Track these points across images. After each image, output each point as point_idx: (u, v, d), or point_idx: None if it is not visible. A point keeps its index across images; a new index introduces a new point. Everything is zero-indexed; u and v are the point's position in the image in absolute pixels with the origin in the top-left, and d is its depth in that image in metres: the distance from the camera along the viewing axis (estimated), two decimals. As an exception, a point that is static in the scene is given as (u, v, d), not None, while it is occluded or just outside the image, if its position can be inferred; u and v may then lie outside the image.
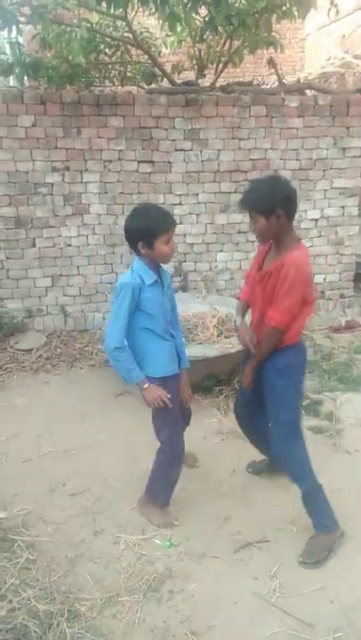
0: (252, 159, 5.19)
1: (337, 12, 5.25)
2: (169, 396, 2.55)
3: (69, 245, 5.07)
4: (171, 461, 2.76)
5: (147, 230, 2.42)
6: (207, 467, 3.26)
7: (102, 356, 4.77)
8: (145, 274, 2.51)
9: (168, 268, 5.22)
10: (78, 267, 5.14)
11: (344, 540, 2.67)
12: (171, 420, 2.68)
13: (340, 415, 3.82)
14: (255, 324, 2.65)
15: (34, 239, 4.99)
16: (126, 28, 5.18)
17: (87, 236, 5.07)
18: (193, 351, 3.87)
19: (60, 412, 3.96)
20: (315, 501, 2.60)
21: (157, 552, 2.61)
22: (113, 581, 2.44)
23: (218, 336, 4.17)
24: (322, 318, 5.51)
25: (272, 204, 2.32)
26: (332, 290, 5.71)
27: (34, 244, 5.00)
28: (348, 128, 5.27)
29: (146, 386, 2.53)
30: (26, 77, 5.52)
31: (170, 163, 5.06)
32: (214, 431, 3.64)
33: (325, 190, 5.41)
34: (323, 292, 5.70)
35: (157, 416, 2.69)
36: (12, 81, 6.05)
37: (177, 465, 2.79)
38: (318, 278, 5.62)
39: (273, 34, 5.09)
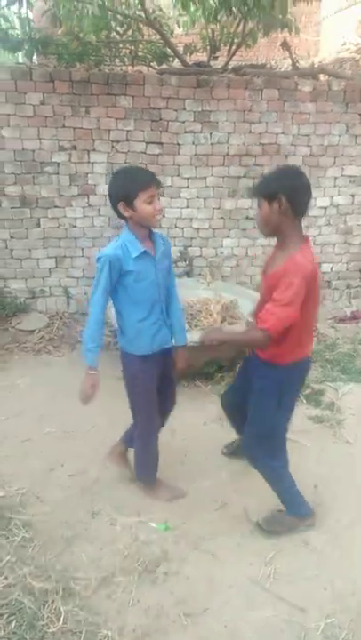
0: (263, 143, 5.11)
1: (354, -5, 5.13)
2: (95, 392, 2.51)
3: (74, 226, 5.03)
4: (148, 440, 2.76)
5: (125, 188, 2.30)
6: (206, 452, 3.26)
7: (105, 340, 4.75)
8: (132, 245, 2.38)
9: (174, 252, 5.20)
10: (82, 248, 5.11)
11: (339, 529, 2.68)
12: (145, 403, 2.67)
13: (342, 405, 3.80)
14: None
15: (38, 219, 4.94)
16: (139, 6, 5.09)
17: (92, 218, 5.03)
18: (195, 337, 3.84)
19: (61, 393, 3.95)
20: (288, 500, 2.65)
21: (153, 535, 2.62)
22: (108, 562, 2.46)
23: (221, 322, 4.14)
24: (327, 308, 5.47)
25: (275, 188, 2.18)
26: (338, 280, 5.66)
27: (38, 224, 4.96)
28: (360, 115, 5.18)
29: (91, 372, 2.48)
30: (35, 54, 5.44)
31: (179, 145, 4.99)
32: (215, 417, 3.63)
33: (336, 178, 5.33)
34: (329, 282, 5.65)
35: (132, 397, 2.68)
36: (20, 57, 5.97)
37: (152, 445, 2.77)
38: (325, 267, 5.58)
39: (288, 16, 4.99)
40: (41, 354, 4.57)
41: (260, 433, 2.51)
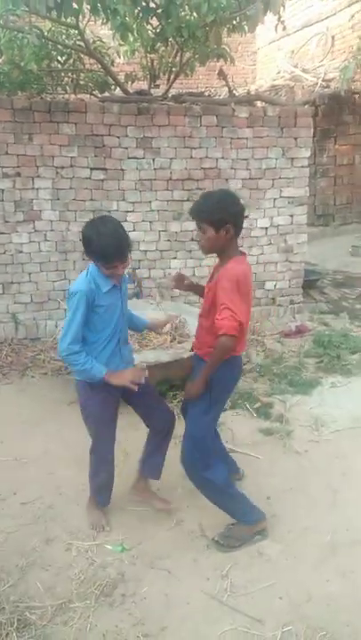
0: (204, 168, 5.28)
1: (284, 27, 5.44)
2: (146, 376, 2.60)
3: (20, 252, 5.01)
4: (97, 465, 2.78)
5: (93, 252, 2.42)
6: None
7: (55, 364, 4.73)
8: (101, 280, 2.49)
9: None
10: (30, 273, 5.09)
11: (292, 538, 2.75)
12: (100, 427, 2.70)
13: (290, 417, 3.91)
14: (197, 333, 2.71)
15: (-17, 245, 4.91)
16: (79, 37, 5.21)
17: (39, 243, 5.03)
18: (146, 356, 3.90)
19: (10, 420, 3.89)
20: (229, 505, 2.68)
21: (109, 557, 2.61)
22: (65, 588, 2.43)
23: (171, 341, 4.21)
24: (273, 324, 5.64)
25: (224, 218, 2.34)
26: (282, 296, 5.85)
27: (-17, 251, 4.92)
28: (295, 139, 5.44)
29: (111, 376, 2.51)
30: (-25, 83, 5.45)
31: (122, 170, 5.09)
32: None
33: (275, 199, 5.55)
34: (273, 299, 5.84)
35: (88, 421, 2.71)
36: None
37: (103, 469, 2.79)
38: (269, 285, 5.77)
39: (223, 46, 5.23)
40: (-11, 382, 4.49)
41: (193, 435, 2.57)
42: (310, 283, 6.31)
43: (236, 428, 3.78)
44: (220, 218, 2.34)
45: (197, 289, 2.87)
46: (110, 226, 2.44)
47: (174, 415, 2.92)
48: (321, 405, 4.08)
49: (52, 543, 2.70)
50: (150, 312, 4.72)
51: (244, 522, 2.69)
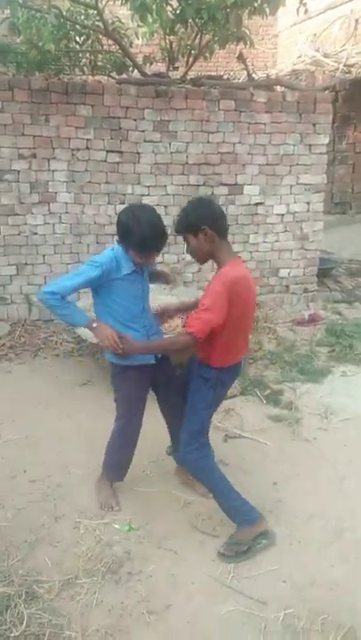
0: (221, 152, 5.24)
1: (306, 10, 5.34)
2: (123, 334, 2.48)
3: (35, 233, 5.03)
4: (121, 444, 2.82)
5: (136, 242, 2.42)
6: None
7: (67, 346, 4.77)
8: (124, 262, 2.51)
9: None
10: (44, 255, 5.11)
11: (297, 523, 2.77)
12: (132, 408, 2.73)
13: (300, 405, 3.92)
14: None
15: (-2, 226, 4.93)
16: (98, 17, 5.16)
17: (53, 225, 5.04)
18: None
19: (22, 400, 3.94)
20: (228, 507, 2.64)
21: (117, 536, 2.65)
22: (72, 564, 2.47)
23: (183, 327, 4.21)
24: (286, 312, 5.62)
25: (198, 222, 2.37)
26: (296, 284, 5.82)
27: (-2, 232, 4.95)
28: (314, 125, 5.37)
29: (94, 325, 2.49)
30: (-7, 62, 5.44)
31: (139, 153, 5.06)
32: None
33: (291, 186, 5.50)
34: (287, 287, 5.81)
35: (119, 401, 2.74)
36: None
37: (126, 449, 2.84)
38: (283, 272, 5.74)
39: (243, 29, 5.15)
40: (1, 361, 4.54)
41: (190, 428, 2.58)
42: (325, 271, 6.27)
43: (245, 413, 3.79)
44: (195, 223, 2.38)
45: (188, 305, 2.96)
46: (150, 216, 2.44)
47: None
48: (331, 394, 4.08)
49: (61, 521, 2.75)
50: (163, 297, 4.73)
51: (243, 522, 2.61)
